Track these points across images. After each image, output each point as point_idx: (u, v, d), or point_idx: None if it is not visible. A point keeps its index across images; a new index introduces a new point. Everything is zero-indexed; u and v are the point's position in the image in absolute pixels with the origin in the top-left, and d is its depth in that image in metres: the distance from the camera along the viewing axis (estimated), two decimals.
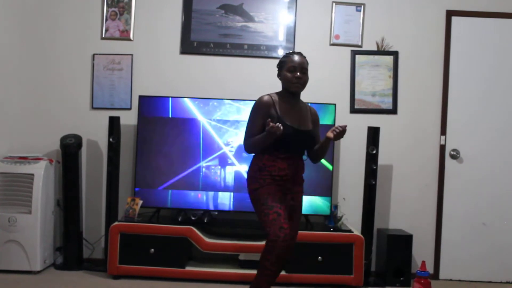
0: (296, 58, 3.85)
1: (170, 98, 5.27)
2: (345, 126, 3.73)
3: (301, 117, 3.89)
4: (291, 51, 3.98)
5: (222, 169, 5.23)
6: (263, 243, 4.80)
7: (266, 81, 5.46)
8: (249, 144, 3.82)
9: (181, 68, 5.56)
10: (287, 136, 3.74)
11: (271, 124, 3.54)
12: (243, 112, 5.21)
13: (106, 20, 5.55)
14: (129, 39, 5.56)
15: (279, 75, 3.93)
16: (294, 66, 3.82)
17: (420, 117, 5.57)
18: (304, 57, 3.90)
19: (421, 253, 5.42)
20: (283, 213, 3.69)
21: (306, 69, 3.86)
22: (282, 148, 3.79)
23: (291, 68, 3.83)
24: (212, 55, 5.56)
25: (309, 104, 4.07)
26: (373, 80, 5.56)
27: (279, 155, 3.80)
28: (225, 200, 5.23)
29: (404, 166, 5.57)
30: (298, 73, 3.81)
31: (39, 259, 5.03)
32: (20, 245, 4.97)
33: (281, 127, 3.58)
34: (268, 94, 3.88)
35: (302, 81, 3.84)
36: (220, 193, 5.22)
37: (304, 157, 3.97)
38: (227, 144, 5.22)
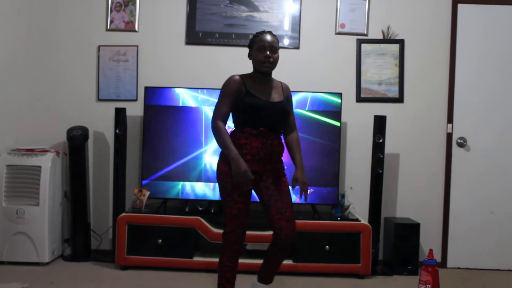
0: (266, 37, 3.73)
1: (175, 89, 5.27)
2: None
3: (272, 92, 3.77)
4: (261, 31, 3.83)
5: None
6: (270, 232, 4.82)
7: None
8: (215, 128, 3.66)
9: (186, 58, 5.56)
10: (258, 108, 3.67)
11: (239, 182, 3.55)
12: None
13: (111, 11, 5.55)
14: (134, 30, 5.56)
15: (249, 55, 3.82)
16: (264, 46, 3.70)
17: (426, 105, 5.56)
18: (275, 36, 3.78)
19: (428, 241, 5.42)
20: (245, 209, 3.69)
21: (277, 48, 3.74)
22: (254, 122, 3.68)
23: (261, 47, 3.71)
24: (217, 45, 5.56)
25: (282, 82, 3.90)
26: (379, 69, 5.54)
27: (251, 131, 3.68)
28: None
29: (411, 155, 5.56)
30: (268, 52, 3.70)
31: (48, 251, 5.05)
32: (29, 237, 5.00)
33: (248, 183, 3.55)
34: (239, 74, 3.78)
35: (272, 60, 3.71)
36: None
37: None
38: None
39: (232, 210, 3.66)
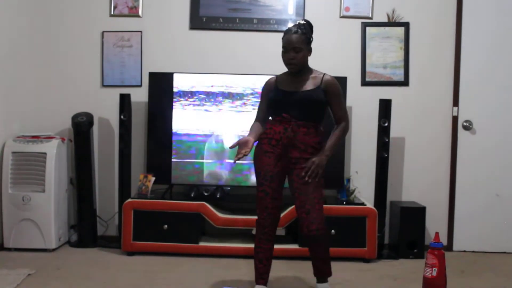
0: (288, 37, 3.81)
1: (180, 74, 5.25)
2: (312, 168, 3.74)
3: (302, 84, 3.82)
4: (290, 27, 3.92)
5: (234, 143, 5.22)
6: None
7: (276, 55, 5.42)
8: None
9: (190, 44, 5.54)
10: (279, 98, 3.85)
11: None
12: (254, 86, 5.19)
13: None
14: (138, 16, 5.54)
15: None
16: (286, 47, 3.81)
17: (432, 88, 5.53)
18: (298, 32, 3.79)
19: (434, 225, 5.41)
20: (271, 192, 3.82)
21: (300, 48, 3.78)
22: (277, 110, 3.85)
23: (284, 48, 3.83)
24: (222, 30, 5.53)
25: (327, 75, 3.88)
26: (384, 52, 5.51)
27: (275, 118, 3.87)
28: (237, 175, 5.24)
29: (416, 138, 5.54)
30: (290, 54, 3.79)
31: (54, 237, 5.07)
32: (35, 224, 5.01)
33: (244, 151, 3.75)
34: (276, 75, 4.00)
35: (295, 62, 3.80)
36: (232, 168, 5.23)
37: None
38: (238, 119, 5.22)
39: (258, 193, 3.88)
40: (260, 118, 4.00)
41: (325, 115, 3.91)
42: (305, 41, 3.81)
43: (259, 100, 4.06)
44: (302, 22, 3.90)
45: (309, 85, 3.82)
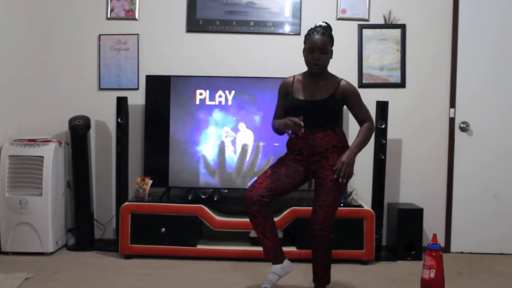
0: (316, 37, 3.80)
1: (176, 77, 5.25)
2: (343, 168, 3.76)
3: (318, 91, 3.86)
4: (314, 27, 3.88)
5: (232, 147, 5.22)
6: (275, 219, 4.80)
7: (273, 57, 5.46)
8: (273, 125, 4.03)
9: (187, 46, 5.54)
10: (295, 109, 3.85)
11: (291, 121, 3.72)
12: (251, 89, 5.19)
13: (111, 0, 5.52)
14: (135, 19, 5.54)
15: (303, 51, 3.92)
16: (313, 47, 3.81)
17: (429, 90, 5.53)
18: (325, 33, 3.80)
19: (432, 226, 5.41)
20: (272, 176, 3.86)
21: (326, 49, 3.80)
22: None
23: (310, 49, 3.82)
24: (218, 33, 5.53)
25: (343, 80, 3.91)
26: (381, 54, 5.52)
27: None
28: (235, 178, 5.23)
29: (413, 140, 5.54)
30: (316, 54, 3.80)
31: (51, 241, 5.06)
32: (32, 227, 5.00)
33: (301, 127, 3.71)
34: (293, 75, 4.01)
35: (321, 63, 3.81)
36: (230, 171, 5.23)
37: None
38: (236, 122, 5.22)
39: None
40: (280, 116, 4.02)
41: (340, 116, 4.03)
42: (330, 44, 3.85)
43: (277, 98, 4.08)
44: (324, 24, 3.89)
45: (324, 93, 3.85)
